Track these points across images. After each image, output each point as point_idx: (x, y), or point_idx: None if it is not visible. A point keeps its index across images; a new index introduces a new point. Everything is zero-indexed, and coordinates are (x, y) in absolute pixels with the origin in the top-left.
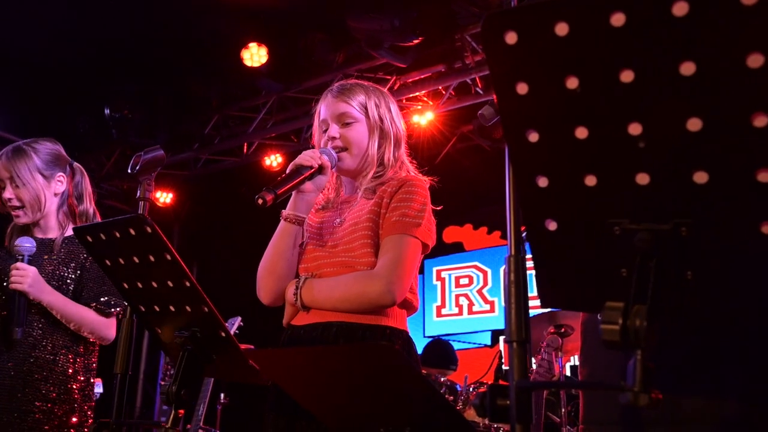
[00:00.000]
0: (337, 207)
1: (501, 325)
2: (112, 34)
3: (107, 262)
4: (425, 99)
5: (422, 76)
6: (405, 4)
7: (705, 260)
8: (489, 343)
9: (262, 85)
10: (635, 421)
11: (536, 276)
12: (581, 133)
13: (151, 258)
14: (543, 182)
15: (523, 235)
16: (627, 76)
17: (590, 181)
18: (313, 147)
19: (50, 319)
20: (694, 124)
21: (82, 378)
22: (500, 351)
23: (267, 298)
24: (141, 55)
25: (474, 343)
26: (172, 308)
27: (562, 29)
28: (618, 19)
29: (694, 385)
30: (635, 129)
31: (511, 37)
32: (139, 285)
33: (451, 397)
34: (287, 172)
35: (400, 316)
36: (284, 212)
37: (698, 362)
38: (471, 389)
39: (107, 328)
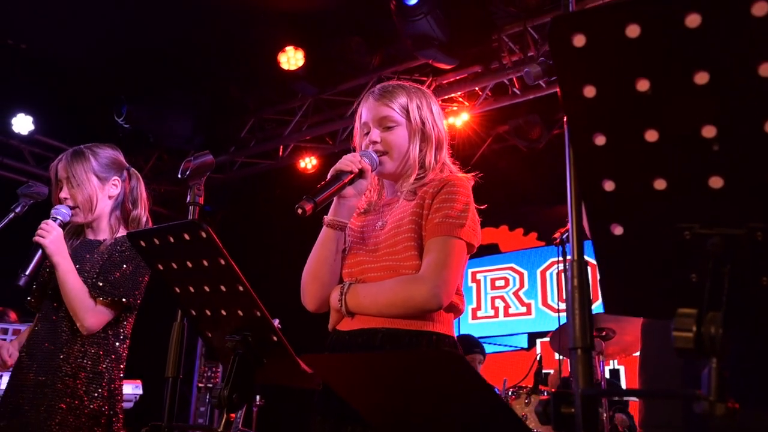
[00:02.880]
0: (378, 210)
1: (537, 328)
2: (150, 40)
3: (159, 266)
4: (461, 100)
5: (458, 77)
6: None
7: None
8: (526, 346)
9: (298, 88)
10: (699, 427)
11: (600, 282)
12: (651, 136)
13: (205, 263)
14: (609, 186)
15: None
16: (702, 78)
17: (660, 185)
18: (353, 149)
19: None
20: None
21: (111, 376)
22: (539, 354)
23: (312, 305)
24: (178, 60)
25: (510, 346)
26: (223, 312)
27: (633, 31)
28: (693, 20)
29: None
30: (709, 132)
31: (579, 40)
32: (191, 289)
33: None
34: (327, 177)
35: (447, 320)
36: (326, 218)
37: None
38: (510, 393)
39: (87, 311)
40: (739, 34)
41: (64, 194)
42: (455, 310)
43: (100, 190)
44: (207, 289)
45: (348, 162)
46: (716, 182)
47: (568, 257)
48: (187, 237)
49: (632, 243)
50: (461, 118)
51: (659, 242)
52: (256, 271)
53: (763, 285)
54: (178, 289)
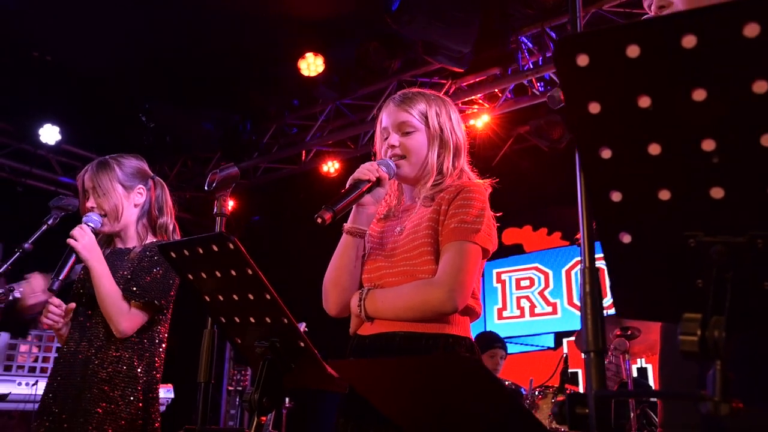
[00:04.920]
0: (397, 216)
1: (564, 327)
2: (173, 49)
3: (190, 276)
4: (481, 102)
5: (478, 80)
6: (461, 10)
7: None
8: (552, 345)
9: (318, 93)
10: (717, 428)
11: (611, 287)
12: (654, 149)
13: (233, 272)
14: (617, 197)
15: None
16: (699, 95)
17: (664, 195)
18: (374, 153)
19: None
20: (767, 140)
21: (146, 380)
22: (565, 354)
23: (333, 310)
24: (201, 67)
25: (537, 346)
26: (252, 320)
27: (633, 51)
28: (689, 41)
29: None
30: (709, 145)
31: (582, 60)
32: (220, 298)
33: None
34: (346, 186)
35: (463, 323)
36: (346, 225)
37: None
38: (536, 393)
39: (121, 315)
40: (733, 53)
41: (91, 204)
42: (472, 313)
43: (125, 199)
44: (236, 297)
45: (366, 171)
46: (717, 193)
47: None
48: (215, 248)
49: (640, 250)
50: (482, 120)
51: (666, 250)
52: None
53: (765, 290)
54: (208, 298)
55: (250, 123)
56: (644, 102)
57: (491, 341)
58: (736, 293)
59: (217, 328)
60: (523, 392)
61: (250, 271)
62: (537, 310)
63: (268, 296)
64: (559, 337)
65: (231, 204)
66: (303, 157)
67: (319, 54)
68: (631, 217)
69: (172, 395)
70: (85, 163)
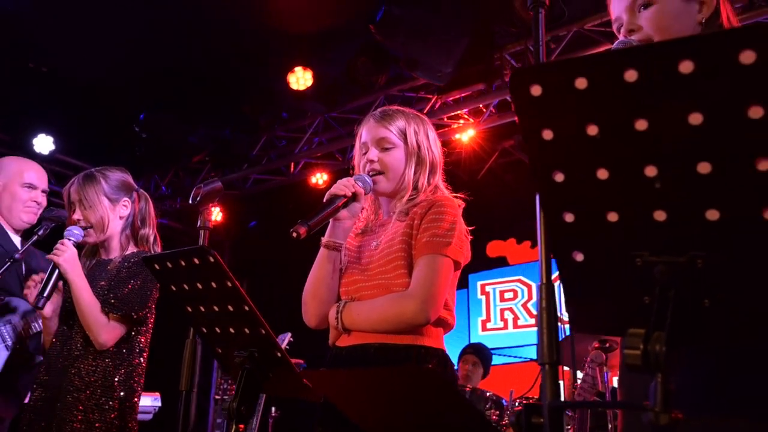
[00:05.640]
0: (374, 230)
1: None
2: (165, 62)
3: (173, 287)
4: (466, 116)
5: (463, 95)
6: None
7: (720, 290)
8: (535, 357)
9: (307, 107)
10: None
11: (566, 303)
12: (602, 174)
13: (213, 284)
14: (569, 218)
15: None
16: (641, 125)
17: (612, 217)
18: (353, 168)
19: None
20: (703, 168)
21: (124, 389)
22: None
23: (312, 322)
24: (194, 80)
25: (520, 357)
26: (232, 330)
27: (581, 83)
28: (631, 75)
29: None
30: (651, 171)
31: (536, 90)
32: (202, 309)
33: (497, 412)
34: (323, 201)
35: (436, 334)
36: (323, 239)
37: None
38: (516, 403)
39: (100, 327)
40: (670, 87)
41: (77, 216)
42: (444, 324)
43: (111, 211)
44: (216, 308)
45: (342, 186)
46: (660, 215)
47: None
48: (196, 261)
49: (592, 268)
50: (467, 134)
51: (615, 268)
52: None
53: (705, 306)
54: (190, 309)
55: (240, 135)
56: (592, 130)
57: (464, 349)
58: (679, 310)
59: (199, 338)
60: (504, 403)
61: (229, 284)
62: (520, 322)
63: (246, 308)
64: None
65: (220, 215)
66: (292, 169)
67: (308, 68)
68: (583, 237)
69: (159, 404)
70: (78, 172)
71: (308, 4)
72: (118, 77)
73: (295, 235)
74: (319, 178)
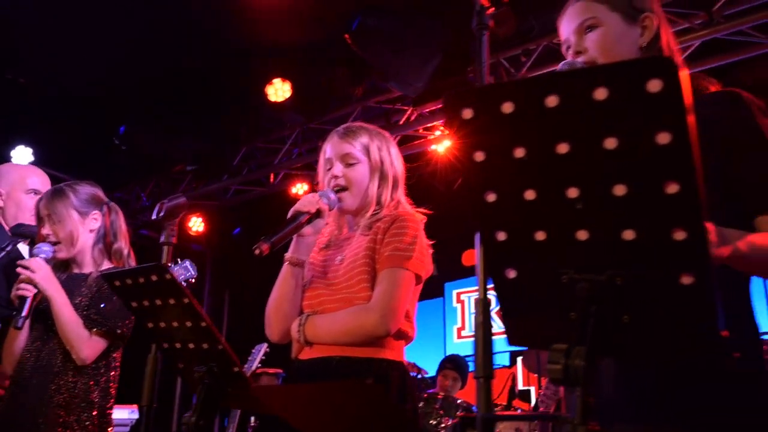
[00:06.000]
0: (338, 245)
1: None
2: (145, 73)
3: (134, 303)
4: (442, 128)
5: (439, 106)
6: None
7: (639, 306)
8: (508, 363)
9: (286, 118)
10: None
11: (502, 317)
12: (530, 195)
13: (171, 301)
14: (502, 236)
15: None
16: (563, 148)
17: (540, 236)
18: (317, 183)
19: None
20: (619, 190)
21: (101, 404)
22: (513, 373)
23: (275, 336)
24: (173, 90)
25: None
26: (191, 345)
27: (507, 108)
28: (552, 101)
29: (653, 417)
30: (573, 193)
31: (467, 113)
32: (162, 324)
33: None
34: (287, 217)
35: (397, 347)
36: (286, 255)
37: (656, 395)
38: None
39: (82, 343)
40: (588, 113)
41: (46, 230)
42: (405, 336)
43: (80, 225)
44: (175, 324)
45: (306, 203)
46: (582, 235)
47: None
48: (154, 278)
49: (524, 285)
50: (443, 145)
51: (545, 285)
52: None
53: (625, 322)
54: (151, 324)
55: (220, 145)
56: (519, 153)
57: (443, 362)
58: (600, 325)
59: (161, 353)
60: (474, 410)
61: (186, 300)
62: (494, 329)
63: (203, 324)
64: (513, 355)
65: (202, 225)
66: (272, 180)
67: (287, 80)
68: (514, 255)
69: (136, 416)
70: (58, 183)
71: (286, 16)
72: (97, 88)
73: (257, 252)
74: (299, 189)
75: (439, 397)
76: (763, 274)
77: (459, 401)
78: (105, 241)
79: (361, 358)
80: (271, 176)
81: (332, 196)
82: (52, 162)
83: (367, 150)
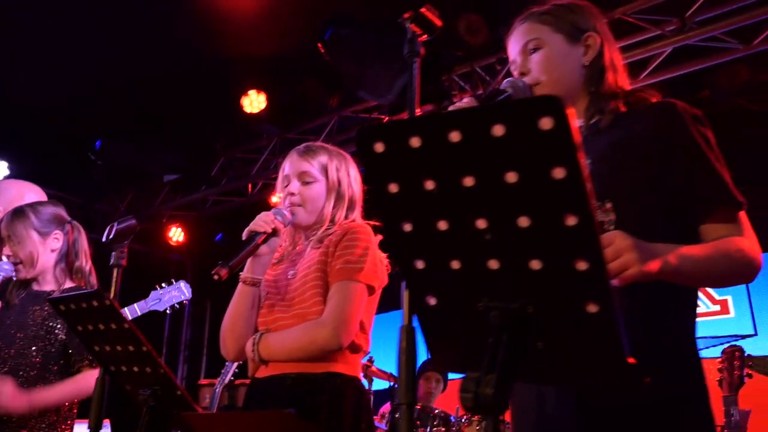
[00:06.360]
0: (291, 260)
1: None
2: (122, 84)
3: (79, 327)
4: None
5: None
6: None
7: (551, 333)
8: None
9: (262, 129)
10: None
11: (425, 342)
12: (443, 225)
13: (113, 326)
14: (420, 264)
15: None
16: (469, 181)
17: (455, 265)
18: (275, 203)
19: (34, 371)
20: (523, 222)
21: (67, 422)
22: None
23: (231, 355)
24: (150, 101)
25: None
26: (135, 369)
27: (415, 142)
28: (455, 136)
29: None
30: (482, 224)
31: (379, 147)
32: (107, 348)
33: (443, 429)
34: (243, 239)
35: (353, 361)
36: (242, 275)
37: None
38: (463, 420)
39: (82, 390)
40: (488, 148)
41: (6, 251)
42: (358, 349)
43: (41, 245)
44: (119, 348)
45: (262, 223)
46: (494, 264)
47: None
48: (95, 303)
49: (444, 312)
50: None
51: (463, 312)
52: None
53: (539, 349)
54: (97, 348)
55: (198, 156)
56: (430, 185)
57: (423, 365)
58: (513, 353)
59: (109, 375)
60: (452, 419)
61: (126, 325)
62: None
63: (144, 348)
64: None
65: (182, 235)
66: (250, 190)
67: (262, 91)
68: (433, 283)
69: (108, 430)
70: None
71: (260, 28)
72: (73, 101)
73: (216, 277)
74: (278, 198)
75: (416, 407)
76: (704, 284)
77: (437, 411)
78: (67, 259)
79: (316, 374)
80: (249, 186)
81: (286, 213)
82: (29, 175)
83: (325, 169)
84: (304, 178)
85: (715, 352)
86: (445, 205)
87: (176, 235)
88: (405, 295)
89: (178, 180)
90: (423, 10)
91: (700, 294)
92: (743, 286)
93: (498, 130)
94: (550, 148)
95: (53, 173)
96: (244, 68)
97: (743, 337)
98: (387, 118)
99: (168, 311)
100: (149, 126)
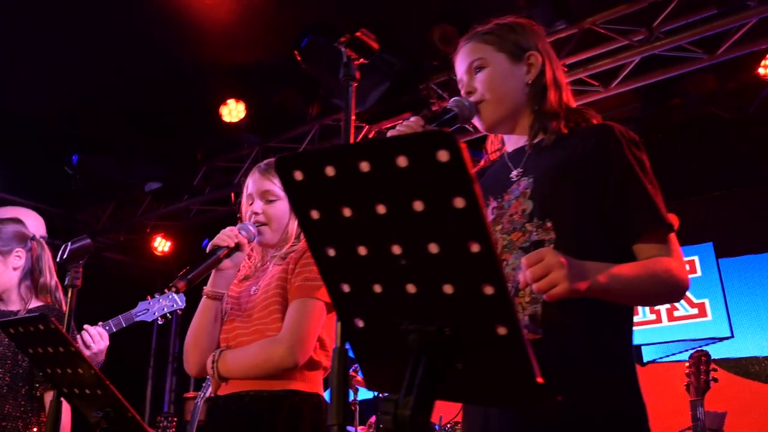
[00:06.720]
0: (256, 276)
1: None
2: (101, 93)
3: (30, 350)
4: None
5: (393, 124)
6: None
7: (469, 355)
8: None
9: (242, 138)
10: None
11: (357, 363)
12: (362, 250)
13: (61, 349)
14: (346, 288)
15: None
16: (381, 209)
17: (377, 288)
18: (240, 218)
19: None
20: (433, 248)
21: None
22: None
23: (193, 371)
24: (129, 111)
25: None
26: (87, 391)
27: (330, 171)
28: (365, 166)
29: None
30: (397, 250)
31: (298, 175)
32: (59, 371)
33: None
34: (206, 252)
35: (312, 377)
36: (205, 289)
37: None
38: (447, 429)
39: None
40: (395, 178)
41: None
42: (318, 366)
43: (2, 264)
44: (69, 371)
45: (225, 237)
46: (411, 288)
47: None
48: (41, 327)
49: (371, 334)
50: None
51: (389, 334)
52: None
53: (458, 369)
54: (49, 370)
55: (180, 166)
56: (347, 212)
57: None
58: (432, 374)
59: (63, 398)
60: (437, 428)
61: (72, 349)
62: None
63: (91, 371)
64: None
65: (168, 245)
66: (233, 199)
67: (241, 100)
68: (359, 306)
69: None
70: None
71: (238, 37)
72: (53, 111)
73: (174, 290)
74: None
75: None
76: (632, 303)
77: None
78: (32, 277)
79: (274, 392)
80: (233, 195)
81: (251, 228)
82: (11, 186)
83: None
84: (267, 197)
85: (687, 356)
86: (362, 231)
87: (161, 245)
88: (337, 317)
89: (161, 190)
90: (358, 34)
91: None
92: (719, 290)
93: (402, 161)
94: (448, 179)
95: (34, 184)
96: (223, 77)
97: (720, 339)
98: (367, 127)
99: (159, 321)
100: (128, 136)
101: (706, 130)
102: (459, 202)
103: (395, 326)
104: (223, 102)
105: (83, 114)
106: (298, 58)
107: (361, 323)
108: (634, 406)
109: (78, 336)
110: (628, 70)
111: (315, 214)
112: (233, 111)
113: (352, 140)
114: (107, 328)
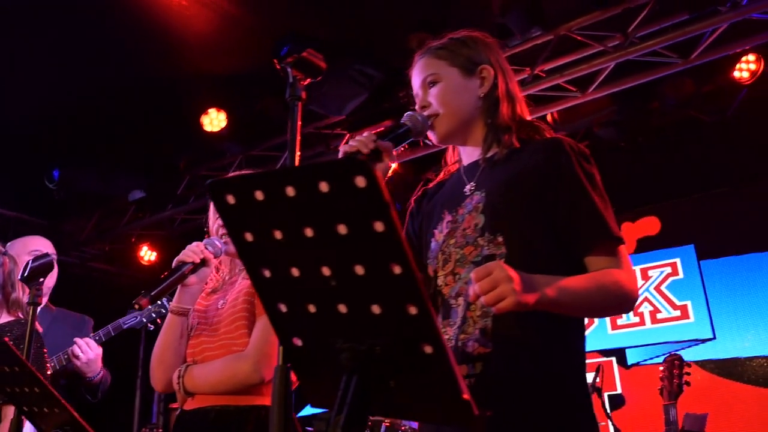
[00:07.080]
0: (224, 289)
1: None
2: (83, 104)
3: None
4: None
5: (379, 129)
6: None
7: (400, 373)
8: None
9: (224, 147)
10: None
11: (298, 381)
12: (295, 272)
13: (16, 369)
14: (283, 308)
15: None
16: (309, 232)
17: (312, 308)
18: (207, 233)
19: None
20: (359, 269)
21: None
22: None
23: (159, 386)
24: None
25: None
26: (45, 409)
27: (259, 195)
28: (290, 191)
29: None
30: (326, 271)
31: (230, 199)
32: (17, 389)
33: None
34: (171, 267)
35: None
36: (170, 305)
37: None
38: None
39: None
40: (319, 203)
41: None
42: None
43: None
44: (26, 390)
45: (190, 253)
46: (343, 308)
47: None
48: None
49: (309, 352)
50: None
51: (325, 352)
52: None
53: (391, 387)
54: (8, 389)
55: (163, 175)
56: (278, 235)
57: None
58: (364, 392)
59: (23, 415)
60: None
61: (27, 369)
62: None
63: (47, 390)
64: None
65: (154, 255)
66: None
67: (222, 109)
68: (295, 325)
69: None
70: None
71: (217, 46)
72: (32, 125)
73: (137, 307)
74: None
75: (386, 424)
76: (581, 315)
77: (404, 426)
78: (3, 291)
79: (240, 407)
80: None
81: (218, 243)
82: None
83: None
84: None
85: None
86: (293, 253)
87: (147, 254)
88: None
89: (145, 199)
90: (305, 54)
91: (662, 300)
92: (701, 292)
93: (324, 187)
94: (367, 204)
95: (18, 195)
96: (203, 87)
97: (703, 341)
98: (348, 135)
99: (149, 327)
100: (109, 147)
101: (686, 133)
102: (379, 226)
103: (331, 345)
104: (204, 112)
105: (64, 125)
106: (278, 67)
107: (299, 342)
108: (582, 420)
109: (69, 350)
110: (604, 75)
111: (249, 237)
112: (214, 120)
113: (297, 160)
114: (97, 338)
